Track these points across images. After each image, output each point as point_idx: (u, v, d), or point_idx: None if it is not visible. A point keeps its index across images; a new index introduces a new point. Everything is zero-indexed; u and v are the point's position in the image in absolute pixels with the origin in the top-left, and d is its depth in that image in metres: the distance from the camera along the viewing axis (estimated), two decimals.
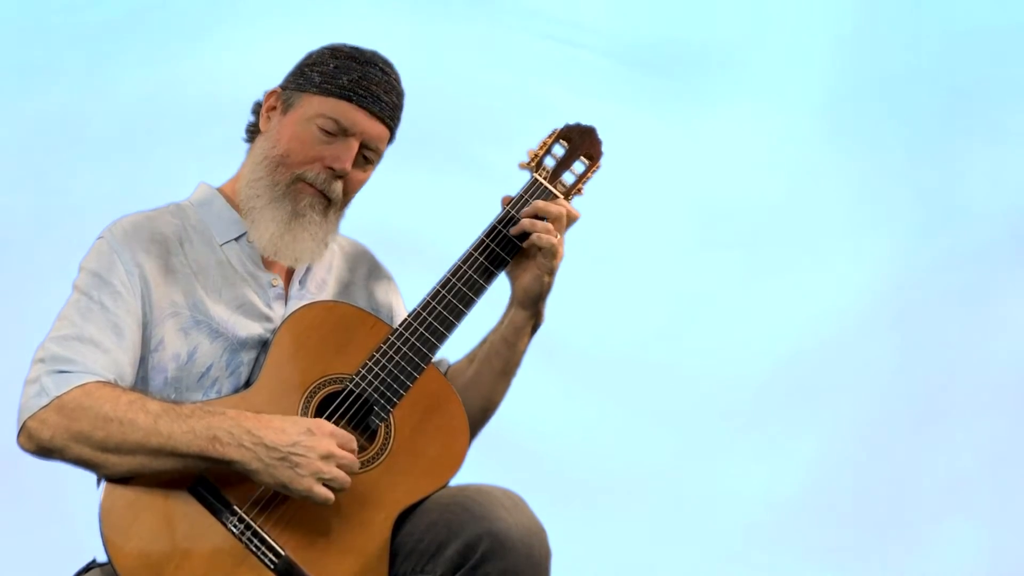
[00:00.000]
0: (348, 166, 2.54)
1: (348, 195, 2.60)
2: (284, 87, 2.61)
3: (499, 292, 2.61)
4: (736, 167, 4.20)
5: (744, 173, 4.21)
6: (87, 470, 2.41)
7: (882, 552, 4.06)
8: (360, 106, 2.54)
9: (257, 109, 2.64)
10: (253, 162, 2.60)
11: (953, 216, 4.20)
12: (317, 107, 2.55)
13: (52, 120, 3.92)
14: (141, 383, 2.50)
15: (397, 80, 2.60)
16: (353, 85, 2.54)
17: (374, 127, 2.56)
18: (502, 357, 2.63)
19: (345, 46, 2.60)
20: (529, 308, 2.60)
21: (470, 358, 2.67)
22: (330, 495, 2.37)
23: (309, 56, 2.61)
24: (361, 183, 2.60)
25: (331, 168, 2.54)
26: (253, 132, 2.64)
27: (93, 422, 2.35)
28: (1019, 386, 4.11)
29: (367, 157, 2.58)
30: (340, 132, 2.54)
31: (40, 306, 2.68)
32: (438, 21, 4.14)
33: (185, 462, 2.36)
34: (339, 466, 2.37)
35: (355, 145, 2.55)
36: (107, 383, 2.40)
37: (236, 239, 2.59)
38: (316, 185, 2.55)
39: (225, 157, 2.70)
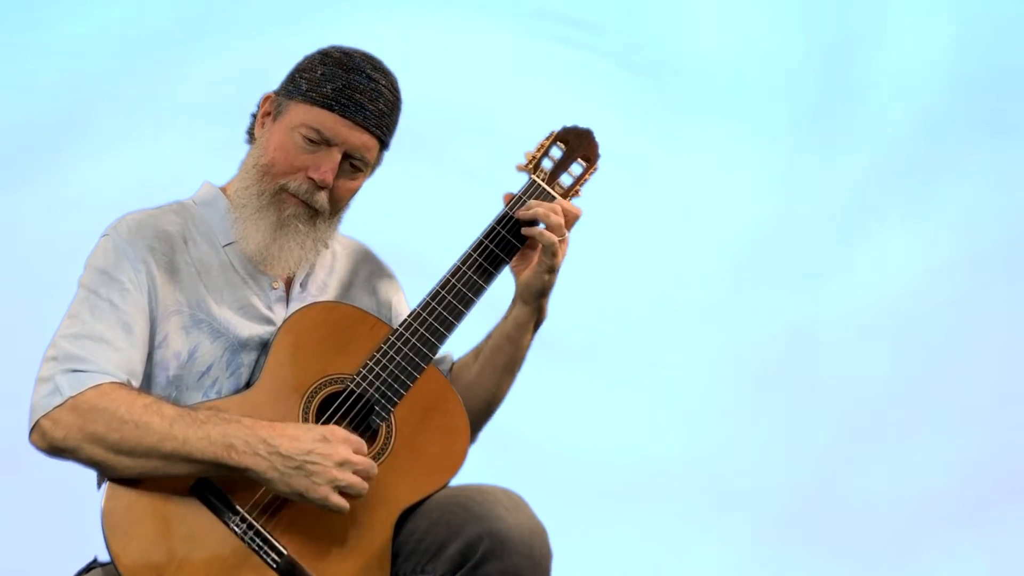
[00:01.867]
0: (329, 177, 2.53)
1: (338, 203, 2.59)
2: (277, 92, 2.60)
3: (501, 290, 2.63)
4: (728, 173, 4.21)
5: (735, 179, 4.22)
6: (97, 470, 2.42)
7: (876, 554, 4.08)
8: (342, 116, 2.52)
9: (255, 115, 2.64)
10: (245, 169, 2.61)
11: (949, 222, 4.22)
12: (302, 116, 2.53)
13: (52, 122, 3.93)
14: (146, 379, 2.50)
15: (388, 87, 2.57)
16: (336, 94, 2.52)
17: (357, 137, 2.54)
18: (506, 353, 2.64)
19: (337, 50, 2.58)
20: (531, 304, 2.61)
21: (475, 353, 2.69)
22: (345, 504, 2.37)
23: (302, 60, 2.60)
24: (351, 191, 2.59)
25: (312, 179, 2.54)
26: (252, 133, 2.64)
27: (108, 424, 2.35)
28: (1014, 391, 4.13)
29: (354, 166, 2.56)
30: (323, 142, 2.53)
31: (39, 306, 2.69)
32: (437, 21, 4.15)
33: (198, 468, 2.36)
34: (355, 472, 2.38)
35: (337, 155, 2.53)
36: (122, 384, 2.40)
37: (237, 242, 2.60)
38: (299, 196, 2.54)
39: (225, 157, 2.71)
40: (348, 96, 2.53)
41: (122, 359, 2.43)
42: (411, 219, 3.89)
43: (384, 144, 2.60)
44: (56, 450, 2.39)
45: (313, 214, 2.56)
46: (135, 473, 2.37)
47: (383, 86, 2.56)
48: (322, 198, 2.55)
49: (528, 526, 2.36)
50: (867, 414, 4.12)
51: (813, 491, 4.10)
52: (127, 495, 2.38)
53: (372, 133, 2.55)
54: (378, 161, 2.62)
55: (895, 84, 4.23)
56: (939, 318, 4.16)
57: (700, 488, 4.08)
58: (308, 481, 2.36)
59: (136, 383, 2.45)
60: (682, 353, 4.14)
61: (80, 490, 2.61)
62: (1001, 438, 4.11)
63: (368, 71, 2.55)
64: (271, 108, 2.60)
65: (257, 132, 2.61)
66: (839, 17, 4.24)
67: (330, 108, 2.52)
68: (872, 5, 4.25)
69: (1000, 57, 4.22)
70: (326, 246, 2.64)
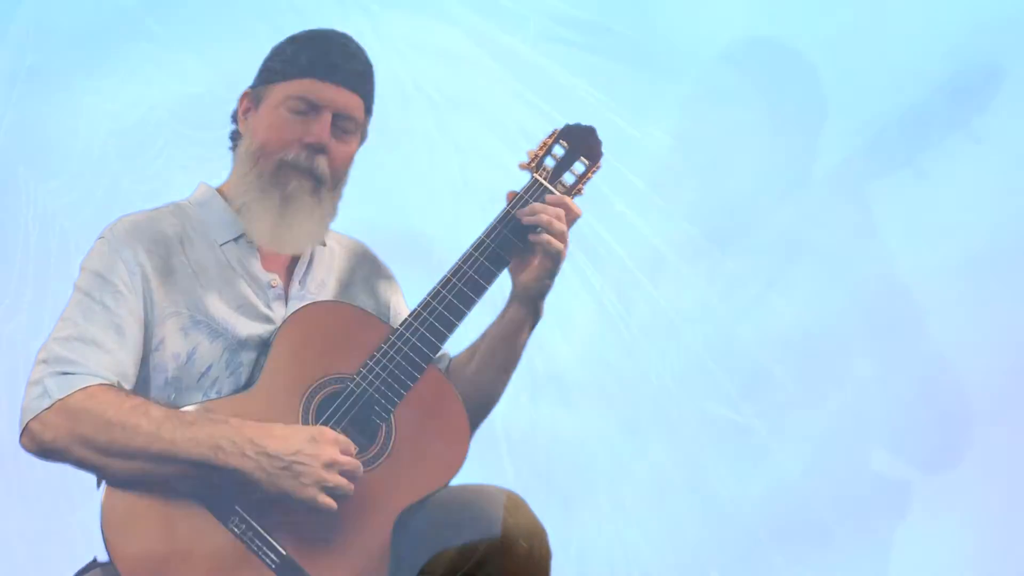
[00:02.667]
0: (325, 136, 2.55)
1: (337, 172, 2.60)
2: (253, 86, 2.63)
3: (500, 290, 2.62)
4: (729, 172, 4.20)
5: (736, 178, 4.21)
6: (88, 472, 2.42)
7: (863, 556, 4.08)
8: (324, 79, 2.56)
9: (236, 116, 2.65)
10: (239, 161, 2.62)
11: (943, 225, 4.21)
12: (284, 91, 2.57)
13: (50, 123, 3.93)
14: (142, 383, 2.50)
15: (359, 49, 2.61)
16: (312, 60, 2.56)
17: (342, 96, 2.57)
18: (502, 352, 2.65)
19: (302, 32, 2.62)
20: (528, 306, 2.62)
21: (471, 352, 2.69)
22: (332, 503, 2.37)
23: (271, 51, 2.63)
24: (347, 156, 2.61)
25: (309, 144, 2.55)
26: (236, 138, 2.65)
27: (96, 426, 2.35)
28: (1006, 396, 4.13)
29: (344, 127, 2.58)
30: (311, 108, 2.56)
31: (40, 306, 2.69)
32: (433, 20, 4.14)
33: (187, 469, 2.36)
34: (343, 473, 2.38)
35: (327, 117, 2.56)
36: (110, 386, 2.40)
37: (235, 239, 2.59)
38: (299, 167, 2.56)
39: (218, 159, 2.72)
40: (324, 60, 2.57)
41: (112, 361, 2.43)
42: (412, 216, 3.89)
43: (367, 106, 2.62)
44: (46, 452, 2.40)
45: (316, 185, 2.57)
46: (125, 475, 2.36)
47: (353, 48, 2.61)
48: (322, 163, 2.57)
49: (528, 526, 2.36)
50: (865, 414, 4.12)
51: (812, 490, 4.10)
52: (127, 495, 2.38)
53: (355, 91, 2.58)
54: (365, 129, 2.63)
55: (893, 83, 4.22)
56: (939, 318, 4.15)
57: (695, 490, 4.07)
58: (295, 481, 2.36)
59: (127, 385, 2.45)
60: (682, 352, 4.14)
61: (80, 490, 2.60)
62: (1001, 437, 4.11)
63: (337, 39, 2.61)
64: (250, 103, 2.63)
65: (242, 128, 2.63)
66: (837, 15, 4.24)
67: (311, 75, 2.56)
68: (870, 5, 4.24)
69: (998, 58, 4.22)
70: (332, 218, 2.63)
